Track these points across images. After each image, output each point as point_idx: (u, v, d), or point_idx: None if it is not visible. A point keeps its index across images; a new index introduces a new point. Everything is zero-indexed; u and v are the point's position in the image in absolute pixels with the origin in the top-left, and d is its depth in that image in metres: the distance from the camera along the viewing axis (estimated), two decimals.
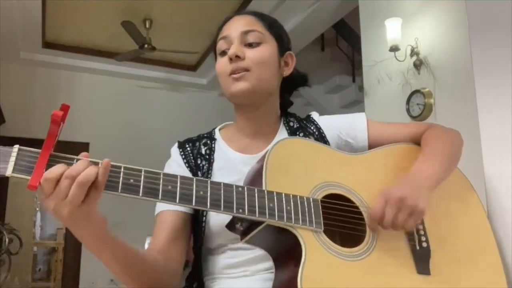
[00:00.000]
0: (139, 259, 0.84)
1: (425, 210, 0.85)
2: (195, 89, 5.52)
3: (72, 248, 4.63)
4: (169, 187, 0.73)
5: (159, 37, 4.25)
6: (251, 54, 0.98)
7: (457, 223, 0.99)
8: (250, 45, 0.99)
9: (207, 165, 1.02)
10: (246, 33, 0.99)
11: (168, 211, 0.96)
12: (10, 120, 4.37)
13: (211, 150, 1.05)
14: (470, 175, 1.08)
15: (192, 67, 5.22)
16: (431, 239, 0.92)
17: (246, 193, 0.79)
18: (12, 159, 0.65)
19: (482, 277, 0.94)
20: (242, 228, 0.83)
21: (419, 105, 2.31)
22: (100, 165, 0.69)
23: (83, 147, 4.60)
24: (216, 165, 1.02)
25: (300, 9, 3.69)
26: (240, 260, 0.94)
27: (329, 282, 0.77)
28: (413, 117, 2.34)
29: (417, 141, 1.06)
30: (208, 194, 0.76)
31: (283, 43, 1.06)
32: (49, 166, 0.66)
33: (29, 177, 0.65)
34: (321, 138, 1.07)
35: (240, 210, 0.77)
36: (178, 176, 0.75)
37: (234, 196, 0.77)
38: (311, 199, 0.84)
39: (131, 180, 0.71)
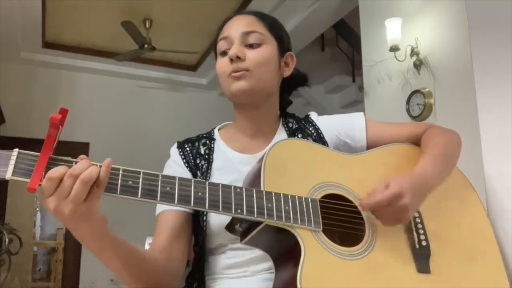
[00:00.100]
0: (140, 258, 0.85)
1: (412, 215, 0.86)
2: (195, 89, 5.52)
3: (72, 248, 4.63)
4: (168, 189, 0.74)
5: (159, 37, 4.25)
6: (251, 55, 0.98)
7: (457, 222, 0.99)
8: (250, 46, 0.99)
9: (206, 165, 1.02)
10: (246, 34, 0.99)
11: (169, 211, 0.96)
12: (10, 120, 4.37)
13: (210, 150, 1.05)
14: (470, 175, 1.08)
15: (192, 67, 5.22)
16: (431, 238, 0.92)
17: (244, 193, 0.79)
18: (12, 162, 0.66)
19: (482, 276, 0.94)
20: (242, 229, 0.83)
21: (419, 105, 2.32)
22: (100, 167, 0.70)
23: (83, 147, 4.60)
24: (215, 165, 1.03)
25: (300, 9, 3.69)
26: (240, 260, 0.94)
27: (328, 281, 0.77)
28: (413, 117, 2.34)
29: (416, 142, 1.06)
30: (207, 195, 0.76)
31: (283, 43, 1.06)
32: (48, 169, 0.67)
33: (28, 180, 0.66)
34: (320, 139, 1.07)
35: (239, 211, 0.77)
36: (177, 178, 0.75)
37: (233, 197, 0.78)
38: (309, 199, 0.84)
39: (130, 182, 0.72)
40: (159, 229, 0.96)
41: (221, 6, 3.76)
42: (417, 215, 0.94)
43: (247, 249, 0.92)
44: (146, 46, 4.14)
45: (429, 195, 0.92)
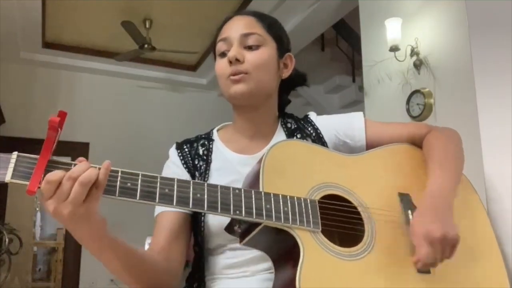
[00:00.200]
0: (139, 259, 0.85)
1: (454, 233, 0.83)
2: (195, 89, 5.52)
3: (72, 248, 4.63)
4: (166, 190, 0.74)
5: (159, 37, 4.25)
6: (250, 57, 0.98)
7: (458, 222, 0.98)
8: (249, 48, 0.99)
9: (204, 165, 1.02)
10: (246, 35, 0.99)
11: (168, 212, 0.96)
12: (10, 120, 4.36)
13: (209, 151, 1.05)
14: (470, 175, 1.07)
15: (192, 67, 5.22)
16: None
17: (243, 195, 0.79)
18: (11, 165, 0.67)
19: (483, 277, 0.93)
20: (241, 230, 0.83)
21: (419, 105, 2.32)
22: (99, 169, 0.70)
23: (83, 147, 4.60)
24: (213, 165, 1.03)
25: (300, 9, 3.69)
26: (240, 260, 0.94)
27: (327, 282, 0.77)
28: (413, 117, 2.34)
29: (416, 142, 1.06)
30: (205, 196, 0.76)
31: (282, 44, 1.06)
32: (47, 171, 0.68)
33: (27, 183, 0.66)
34: (319, 139, 1.07)
35: (237, 212, 0.77)
36: (175, 179, 0.75)
37: (231, 198, 0.78)
38: (308, 200, 0.84)
39: (129, 184, 0.72)
40: (158, 230, 0.96)
41: (221, 6, 3.76)
42: None
43: (246, 249, 0.92)
44: (146, 46, 4.14)
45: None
